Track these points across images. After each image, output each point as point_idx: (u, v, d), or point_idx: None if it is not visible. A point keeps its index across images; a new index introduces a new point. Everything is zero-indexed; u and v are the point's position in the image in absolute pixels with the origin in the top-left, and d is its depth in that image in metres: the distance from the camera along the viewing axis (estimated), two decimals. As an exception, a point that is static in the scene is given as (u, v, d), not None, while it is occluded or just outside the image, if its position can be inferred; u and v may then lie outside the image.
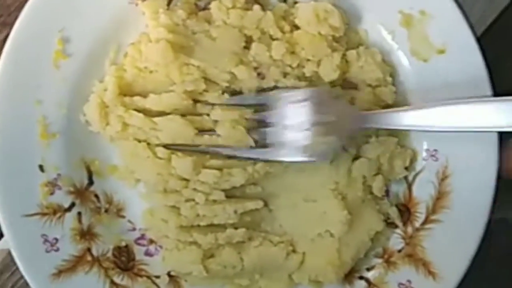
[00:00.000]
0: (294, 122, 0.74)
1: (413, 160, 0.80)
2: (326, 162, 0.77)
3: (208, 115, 0.76)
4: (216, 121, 0.76)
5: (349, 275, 0.80)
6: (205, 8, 0.78)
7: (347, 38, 0.79)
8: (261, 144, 0.76)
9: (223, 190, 0.77)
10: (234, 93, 0.77)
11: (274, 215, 0.80)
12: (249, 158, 0.76)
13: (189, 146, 0.76)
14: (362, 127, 0.76)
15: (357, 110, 0.76)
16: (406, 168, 0.79)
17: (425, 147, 0.79)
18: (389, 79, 0.79)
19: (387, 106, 0.79)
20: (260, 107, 0.77)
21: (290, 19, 0.79)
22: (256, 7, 0.77)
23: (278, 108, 0.75)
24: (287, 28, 0.78)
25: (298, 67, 0.77)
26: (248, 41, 0.77)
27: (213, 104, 0.76)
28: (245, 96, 0.77)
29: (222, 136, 0.76)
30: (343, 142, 0.76)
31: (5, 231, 0.74)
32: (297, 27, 0.78)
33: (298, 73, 0.77)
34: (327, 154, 0.75)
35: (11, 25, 0.79)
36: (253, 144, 0.76)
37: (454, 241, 0.77)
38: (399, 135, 0.80)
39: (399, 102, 0.80)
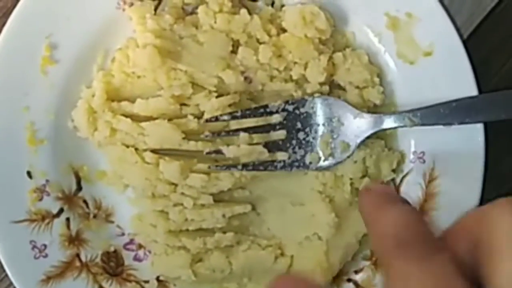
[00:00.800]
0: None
1: (400, 162, 0.80)
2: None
3: (196, 117, 0.76)
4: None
5: (337, 278, 0.79)
6: (192, 12, 0.78)
7: (334, 41, 0.79)
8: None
9: (211, 194, 0.77)
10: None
11: (262, 219, 0.80)
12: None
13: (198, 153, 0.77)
14: (372, 129, 0.76)
15: (362, 113, 0.77)
16: (394, 171, 0.79)
17: (412, 149, 0.79)
18: (377, 79, 0.79)
19: (375, 107, 0.79)
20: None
21: (277, 23, 0.78)
22: (243, 11, 0.77)
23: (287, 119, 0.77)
24: (274, 31, 0.78)
25: (285, 70, 0.77)
26: (235, 45, 0.77)
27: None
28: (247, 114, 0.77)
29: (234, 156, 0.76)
30: (352, 145, 0.76)
31: (-7, 237, 0.74)
32: (284, 30, 0.78)
33: (285, 76, 0.78)
34: (336, 157, 0.76)
35: (-2, 31, 0.80)
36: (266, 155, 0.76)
37: None
38: (386, 138, 0.80)
39: (386, 103, 0.80)
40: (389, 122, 0.75)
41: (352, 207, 0.79)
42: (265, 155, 0.76)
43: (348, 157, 0.77)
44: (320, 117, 0.76)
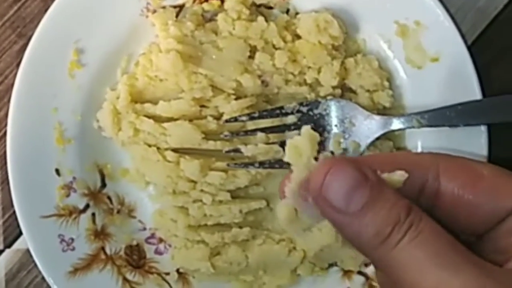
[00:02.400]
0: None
1: (408, 162, 0.83)
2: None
3: (215, 118, 0.79)
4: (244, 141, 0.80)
5: (348, 271, 0.83)
6: (212, 19, 0.82)
7: (346, 47, 0.83)
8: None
9: (229, 191, 0.80)
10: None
11: (275, 214, 0.82)
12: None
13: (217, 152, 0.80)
14: (382, 130, 0.78)
15: (373, 115, 0.79)
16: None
17: (419, 149, 0.82)
18: (386, 83, 0.82)
19: (384, 109, 0.82)
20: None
21: (292, 29, 0.82)
22: (260, 18, 0.80)
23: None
24: (289, 37, 0.81)
25: (300, 74, 0.81)
26: (253, 50, 0.80)
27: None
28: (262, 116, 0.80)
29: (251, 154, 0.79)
30: (364, 147, 0.78)
31: (24, 231, 0.78)
32: (298, 37, 0.82)
33: (299, 79, 0.81)
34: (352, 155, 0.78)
35: (26, 36, 0.83)
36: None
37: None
38: (394, 139, 0.83)
39: (395, 106, 0.83)
40: (397, 124, 0.78)
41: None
42: (281, 153, 0.78)
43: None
44: (332, 119, 0.79)
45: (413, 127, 0.77)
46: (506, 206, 0.54)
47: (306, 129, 0.58)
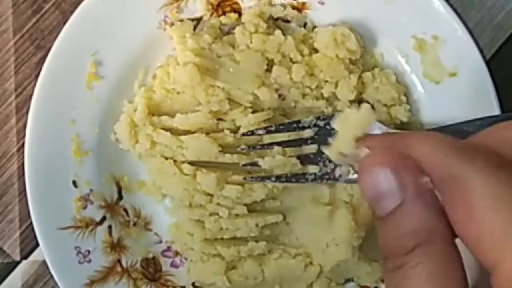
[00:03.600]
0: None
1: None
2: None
3: (232, 132, 0.80)
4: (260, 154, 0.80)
5: (365, 286, 0.82)
6: (229, 32, 0.82)
7: (363, 61, 0.83)
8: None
9: (245, 205, 0.80)
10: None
11: (291, 228, 0.83)
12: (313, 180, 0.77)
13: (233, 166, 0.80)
14: None
15: (389, 129, 0.74)
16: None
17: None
18: (403, 98, 0.82)
19: (402, 124, 0.82)
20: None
21: (309, 43, 0.82)
22: (278, 32, 0.80)
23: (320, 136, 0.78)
24: (306, 51, 0.81)
25: (317, 88, 0.81)
26: (270, 64, 0.80)
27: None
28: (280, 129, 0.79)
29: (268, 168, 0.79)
30: None
31: (41, 243, 0.78)
32: (316, 50, 0.82)
33: (316, 93, 0.81)
34: None
35: (45, 48, 0.84)
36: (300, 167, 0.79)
37: (465, 251, 0.79)
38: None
39: (412, 121, 0.83)
40: None
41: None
42: (298, 167, 0.78)
43: None
44: None
45: None
46: (487, 263, 0.48)
47: (365, 107, 0.62)
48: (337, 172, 0.78)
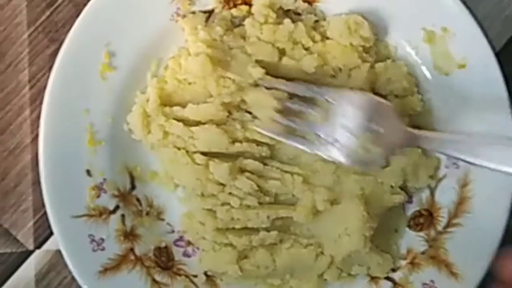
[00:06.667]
0: (350, 123, 0.75)
1: (436, 168, 0.83)
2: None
3: (241, 127, 0.81)
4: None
5: (375, 276, 0.83)
6: (240, 24, 0.83)
7: (377, 50, 0.83)
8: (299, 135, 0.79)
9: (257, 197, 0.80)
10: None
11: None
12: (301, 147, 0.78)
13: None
14: (409, 145, 0.77)
15: (406, 127, 0.76)
16: (431, 177, 0.83)
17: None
18: (415, 89, 0.83)
19: (414, 115, 0.83)
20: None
21: (320, 31, 0.82)
22: (287, 20, 0.81)
23: (336, 105, 0.77)
24: (318, 37, 0.82)
25: (329, 77, 0.82)
26: (281, 53, 0.81)
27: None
28: (297, 85, 0.80)
29: (259, 120, 0.80)
30: (387, 156, 0.76)
31: (55, 231, 0.79)
32: (327, 38, 0.82)
33: (328, 82, 0.81)
34: (369, 163, 0.76)
35: (58, 40, 0.85)
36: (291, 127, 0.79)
37: (475, 243, 0.80)
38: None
39: (423, 111, 0.84)
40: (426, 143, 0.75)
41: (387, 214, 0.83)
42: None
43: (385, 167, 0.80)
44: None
45: (442, 153, 0.75)
46: None
47: None
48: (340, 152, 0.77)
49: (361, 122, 0.75)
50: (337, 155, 0.76)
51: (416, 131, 0.76)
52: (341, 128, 0.76)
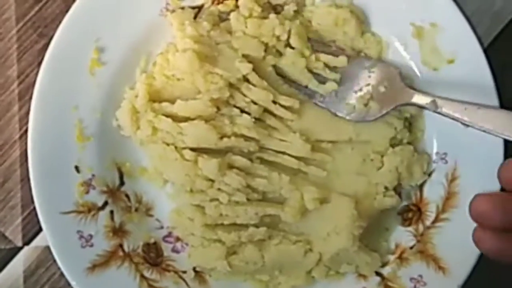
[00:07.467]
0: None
1: (428, 163, 0.83)
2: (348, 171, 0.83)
3: (230, 122, 0.80)
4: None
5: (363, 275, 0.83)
6: (226, 19, 0.82)
7: (368, 45, 0.84)
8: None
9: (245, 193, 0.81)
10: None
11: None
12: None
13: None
14: (405, 103, 0.79)
15: (405, 86, 0.80)
16: (425, 173, 0.83)
17: (435, 150, 0.83)
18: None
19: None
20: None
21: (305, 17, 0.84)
22: (272, 15, 0.81)
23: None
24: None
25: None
26: (267, 47, 0.82)
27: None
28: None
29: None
30: (383, 112, 0.80)
31: (44, 227, 0.78)
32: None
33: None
34: (365, 117, 0.81)
35: (47, 35, 0.85)
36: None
37: (462, 238, 0.78)
38: (413, 141, 0.84)
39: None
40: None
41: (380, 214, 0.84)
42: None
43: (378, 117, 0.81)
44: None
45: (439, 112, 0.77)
46: None
47: None
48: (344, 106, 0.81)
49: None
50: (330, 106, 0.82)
51: (414, 90, 0.79)
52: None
